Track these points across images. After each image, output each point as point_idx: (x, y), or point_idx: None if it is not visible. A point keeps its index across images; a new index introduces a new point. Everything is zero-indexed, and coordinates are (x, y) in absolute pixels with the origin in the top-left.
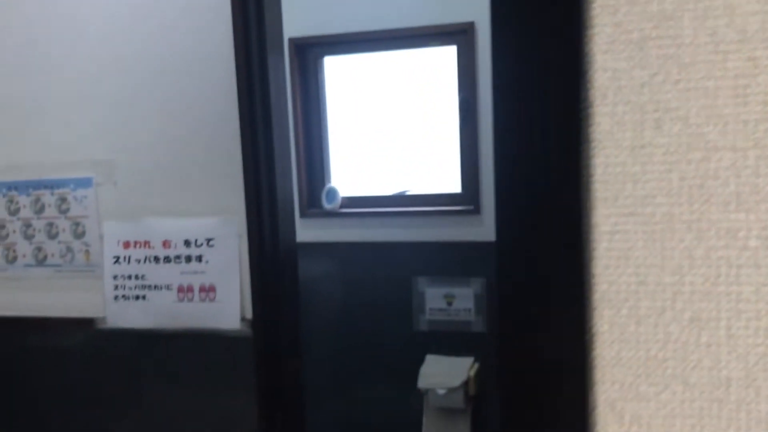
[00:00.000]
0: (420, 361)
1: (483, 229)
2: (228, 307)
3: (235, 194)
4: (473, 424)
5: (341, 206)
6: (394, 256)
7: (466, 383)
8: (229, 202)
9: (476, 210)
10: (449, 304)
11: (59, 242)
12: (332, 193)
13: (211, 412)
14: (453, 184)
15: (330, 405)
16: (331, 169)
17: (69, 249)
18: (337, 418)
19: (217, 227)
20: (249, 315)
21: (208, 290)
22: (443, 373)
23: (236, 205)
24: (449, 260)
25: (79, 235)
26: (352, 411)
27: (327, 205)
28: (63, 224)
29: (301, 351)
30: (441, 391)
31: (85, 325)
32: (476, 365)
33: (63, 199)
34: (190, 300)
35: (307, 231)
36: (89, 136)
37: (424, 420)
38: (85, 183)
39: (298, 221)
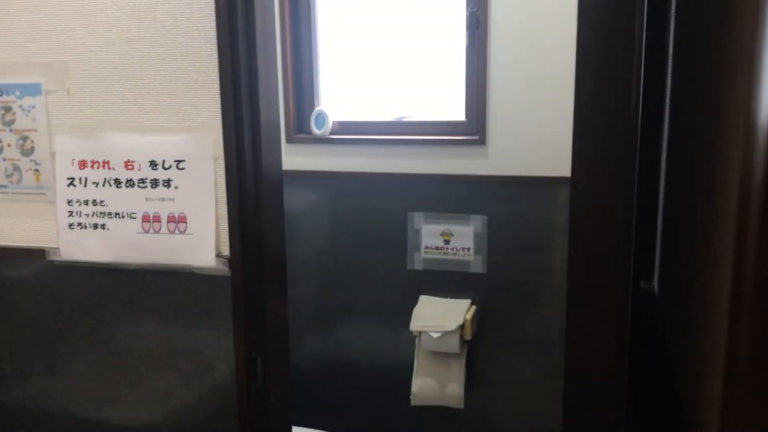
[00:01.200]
0: (413, 302)
1: (487, 162)
2: (201, 242)
3: (210, 108)
4: (468, 369)
5: (332, 132)
6: (388, 189)
7: (461, 327)
8: (202, 117)
9: (481, 140)
10: (446, 242)
11: (4, 159)
12: (322, 117)
13: (183, 357)
14: (456, 112)
15: (314, 343)
16: (321, 92)
17: (16, 168)
18: (322, 358)
19: (189, 147)
20: (226, 251)
21: (177, 221)
22: (438, 316)
23: (211, 121)
24: (448, 195)
25: (27, 151)
26: (338, 351)
27: (316, 130)
28: (8, 138)
29: (286, 291)
30: (435, 335)
31: (35, 256)
32: (473, 308)
33: (7, 109)
34: (157, 231)
35: (293, 158)
36: (37, 31)
37: (416, 364)
38: (33, 90)
39: (285, 147)
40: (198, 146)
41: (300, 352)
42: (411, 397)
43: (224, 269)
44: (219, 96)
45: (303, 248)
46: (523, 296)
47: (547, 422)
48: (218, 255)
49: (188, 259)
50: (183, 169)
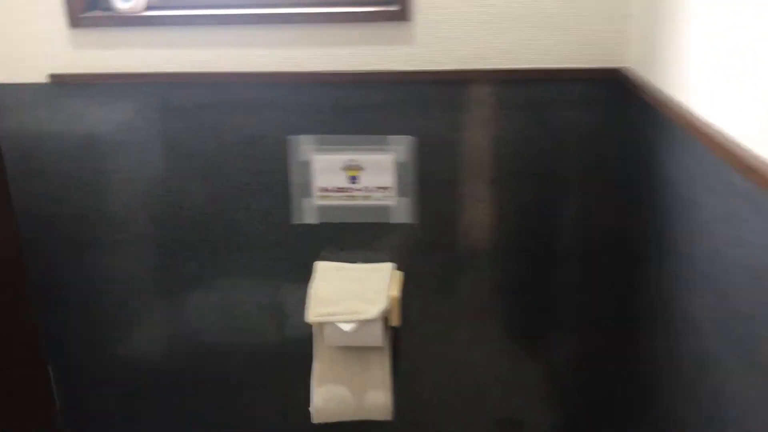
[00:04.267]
0: (305, 273)
1: (414, 49)
2: None
3: None
4: (395, 363)
5: (150, 5)
6: (256, 100)
7: (385, 309)
8: None
9: (403, 14)
10: (353, 179)
11: None
12: None
13: None
14: None
15: (156, 339)
16: None
17: None
18: (172, 358)
19: None
20: None
21: None
22: (347, 294)
23: None
24: (353, 106)
25: None
26: (194, 349)
27: (121, 4)
28: None
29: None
30: (346, 327)
31: None
32: (398, 276)
33: None
34: None
35: (86, 53)
36: None
37: (316, 366)
38: None
39: (68, 35)
40: None
41: (136, 349)
42: (312, 412)
43: None
44: None
45: (122, 199)
46: (472, 255)
47: (500, 416)
48: None
49: None
50: None
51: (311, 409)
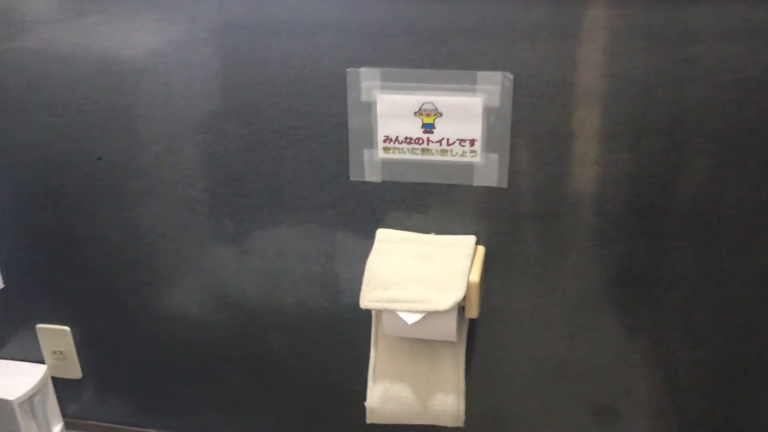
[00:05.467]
0: (364, 244)
1: None
2: None
3: None
4: (469, 364)
5: None
6: (303, 21)
7: (463, 299)
8: None
9: None
10: (428, 128)
11: None
12: None
13: None
14: None
15: (190, 287)
16: None
17: None
18: (203, 306)
19: None
20: None
21: None
22: (414, 277)
23: None
24: (432, 31)
25: None
26: (230, 302)
27: None
28: None
29: None
30: (411, 318)
31: None
32: (480, 253)
33: None
34: None
35: None
36: None
37: (374, 357)
38: None
39: None
40: None
41: (163, 316)
42: (367, 410)
43: None
44: None
45: (144, 141)
46: (576, 231)
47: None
48: None
49: None
50: None
51: (366, 409)
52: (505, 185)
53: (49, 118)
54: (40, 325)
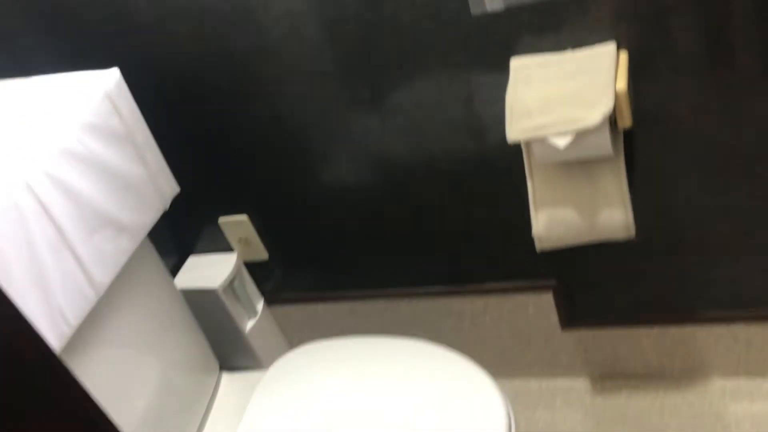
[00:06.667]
0: (498, 77)
1: None
2: None
3: None
4: (630, 173)
5: None
6: None
7: (610, 111)
8: None
9: None
10: None
11: None
12: None
13: None
14: None
15: (341, 158)
16: None
17: None
18: (358, 174)
19: None
20: None
21: None
22: (557, 98)
23: None
24: None
25: None
26: (384, 165)
27: None
28: None
29: None
30: (561, 141)
31: None
32: (623, 59)
33: None
34: None
35: None
36: None
37: (532, 187)
38: None
39: None
40: None
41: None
42: (535, 240)
43: None
44: None
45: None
46: (733, 5)
47: None
48: None
49: None
50: None
51: (534, 238)
52: None
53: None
54: (222, 219)
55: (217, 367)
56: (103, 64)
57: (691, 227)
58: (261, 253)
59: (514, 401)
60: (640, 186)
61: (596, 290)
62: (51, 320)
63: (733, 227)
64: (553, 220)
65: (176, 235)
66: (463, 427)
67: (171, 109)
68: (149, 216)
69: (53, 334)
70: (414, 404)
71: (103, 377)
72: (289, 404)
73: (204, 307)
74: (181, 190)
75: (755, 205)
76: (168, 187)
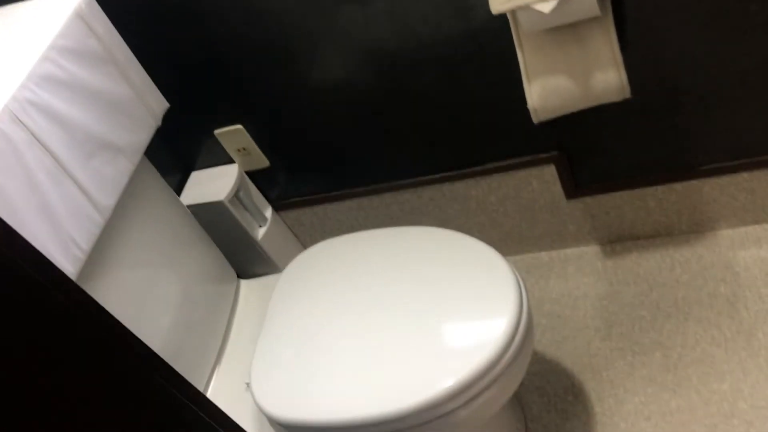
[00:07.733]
0: None
1: None
2: None
3: None
4: (621, 33)
5: None
6: None
7: None
8: None
9: None
10: None
11: None
12: None
13: None
14: None
15: (328, 48)
16: None
17: None
18: (347, 66)
19: None
20: None
21: None
22: None
23: None
24: None
25: None
26: (371, 56)
27: None
28: None
29: None
30: (546, 7)
31: None
32: None
33: None
34: None
35: None
36: None
37: (523, 59)
38: None
39: None
40: None
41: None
42: (530, 112)
43: None
44: None
45: None
46: None
47: None
48: None
49: None
50: None
51: (530, 110)
52: None
53: None
54: (218, 131)
55: (235, 276)
56: None
57: (687, 80)
58: (261, 161)
59: (527, 274)
60: (631, 44)
61: (598, 156)
62: (63, 248)
63: (729, 76)
64: (546, 89)
65: (175, 154)
66: (476, 304)
67: (149, 25)
68: (142, 134)
69: (67, 261)
70: (428, 286)
71: (124, 299)
72: (310, 299)
73: (214, 221)
74: (173, 107)
75: (749, 51)
76: (156, 104)
